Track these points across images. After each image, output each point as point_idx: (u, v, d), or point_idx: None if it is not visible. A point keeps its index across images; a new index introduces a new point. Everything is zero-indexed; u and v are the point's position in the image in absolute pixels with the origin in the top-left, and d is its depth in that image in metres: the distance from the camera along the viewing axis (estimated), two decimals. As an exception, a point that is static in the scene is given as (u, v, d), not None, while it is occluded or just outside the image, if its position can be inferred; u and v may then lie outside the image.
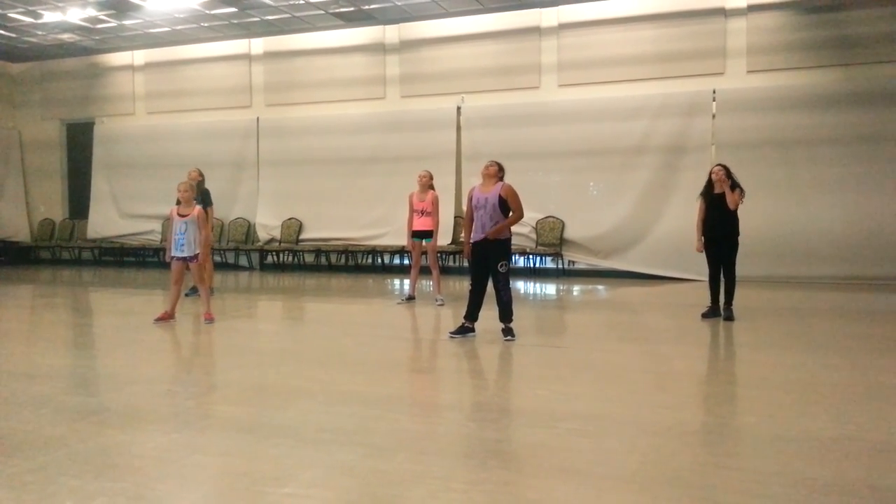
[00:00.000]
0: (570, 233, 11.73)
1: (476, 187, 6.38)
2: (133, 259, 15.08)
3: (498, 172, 6.28)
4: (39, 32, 13.54)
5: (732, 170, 7.33)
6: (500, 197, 6.15)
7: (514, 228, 6.45)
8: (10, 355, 5.84)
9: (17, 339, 6.86)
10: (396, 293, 10.00)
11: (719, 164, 7.39)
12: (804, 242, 10.40)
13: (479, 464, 3.28)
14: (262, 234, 13.63)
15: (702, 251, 7.42)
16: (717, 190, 7.26)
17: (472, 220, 6.39)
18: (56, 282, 12.50)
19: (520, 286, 10.58)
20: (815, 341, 6.27)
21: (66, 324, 8.01)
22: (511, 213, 6.22)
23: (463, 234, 6.75)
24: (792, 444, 3.48)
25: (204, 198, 9.02)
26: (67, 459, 3.31)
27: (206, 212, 8.70)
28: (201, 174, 9.17)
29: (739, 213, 7.24)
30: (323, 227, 13.19)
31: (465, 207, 6.66)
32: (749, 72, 10.83)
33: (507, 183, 6.26)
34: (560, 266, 12.03)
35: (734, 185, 7.19)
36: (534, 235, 11.72)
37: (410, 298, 8.73)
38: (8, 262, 15.30)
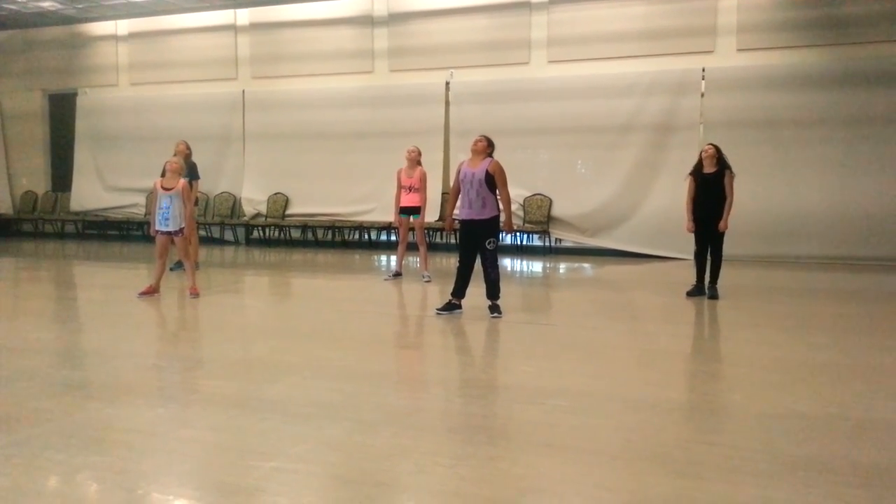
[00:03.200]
0: (557, 210, 11.72)
1: (464, 162, 6.36)
2: (117, 232, 14.94)
3: (487, 148, 6.24)
4: (20, 0, 13.24)
5: (722, 149, 7.34)
6: (486, 172, 6.12)
7: (500, 206, 6.42)
8: (-8, 328, 5.79)
9: (1, 312, 6.78)
10: (383, 269, 9.98)
11: (710, 144, 7.39)
12: (791, 222, 10.45)
13: (465, 439, 3.30)
14: (248, 209, 13.51)
15: (692, 231, 7.43)
16: (706, 170, 7.26)
17: (457, 193, 6.38)
18: (39, 255, 12.36)
19: (507, 263, 10.59)
20: (800, 320, 6.33)
21: (49, 297, 7.94)
22: (498, 192, 6.19)
23: (447, 208, 6.74)
24: (776, 421, 3.52)
25: (191, 171, 8.93)
26: (53, 433, 3.29)
27: (192, 185, 8.62)
28: (188, 147, 9.07)
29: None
30: (309, 203, 13.10)
31: (452, 182, 6.65)
32: (739, 50, 10.79)
33: (496, 160, 6.23)
34: (547, 244, 12.05)
35: (726, 167, 7.20)
36: (521, 213, 11.71)
37: (397, 275, 8.71)
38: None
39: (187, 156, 9.02)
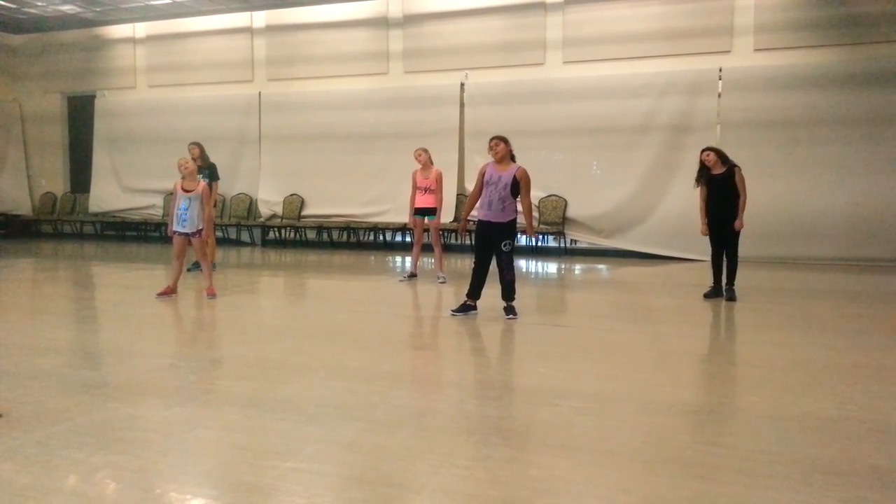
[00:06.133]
0: (572, 212, 11.70)
1: (490, 164, 6.32)
2: (135, 233, 15.09)
3: (509, 153, 6.24)
4: (39, 3, 13.41)
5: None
6: (514, 178, 6.12)
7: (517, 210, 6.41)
8: (12, 328, 5.86)
9: (20, 312, 6.87)
10: (398, 270, 10.00)
11: (708, 149, 7.29)
12: (808, 223, 10.37)
13: (481, 440, 3.29)
14: (264, 210, 13.60)
15: (706, 234, 7.38)
16: (714, 171, 7.21)
17: (478, 196, 6.36)
18: (58, 255, 12.50)
19: (522, 265, 10.57)
20: (816, 322, 6.27)
21: (68, 297, 8.02)
22: (520, 199, 6.20)
23: (465, 210, 6.76)
24: (792, 423, 3.49)
25: (211, 172, 9.00)
26: (71, 432, 3.33)
27: (211, 186, 8.70)
28: (201, 148, 9.12)
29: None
30: (325, 204, 13.16)
31: (473, 183, 6.63)
32: (756, 50, 10.72)
33: (524, 168, 6.22)
34: (562, 245, 12.02)
35: (733, 164, 7.14)
36: (536, 214, 11.69)
37: (412, 276, 8.72)
38: (10, 235, 15.31)
39: (205, 156, 9.09)
